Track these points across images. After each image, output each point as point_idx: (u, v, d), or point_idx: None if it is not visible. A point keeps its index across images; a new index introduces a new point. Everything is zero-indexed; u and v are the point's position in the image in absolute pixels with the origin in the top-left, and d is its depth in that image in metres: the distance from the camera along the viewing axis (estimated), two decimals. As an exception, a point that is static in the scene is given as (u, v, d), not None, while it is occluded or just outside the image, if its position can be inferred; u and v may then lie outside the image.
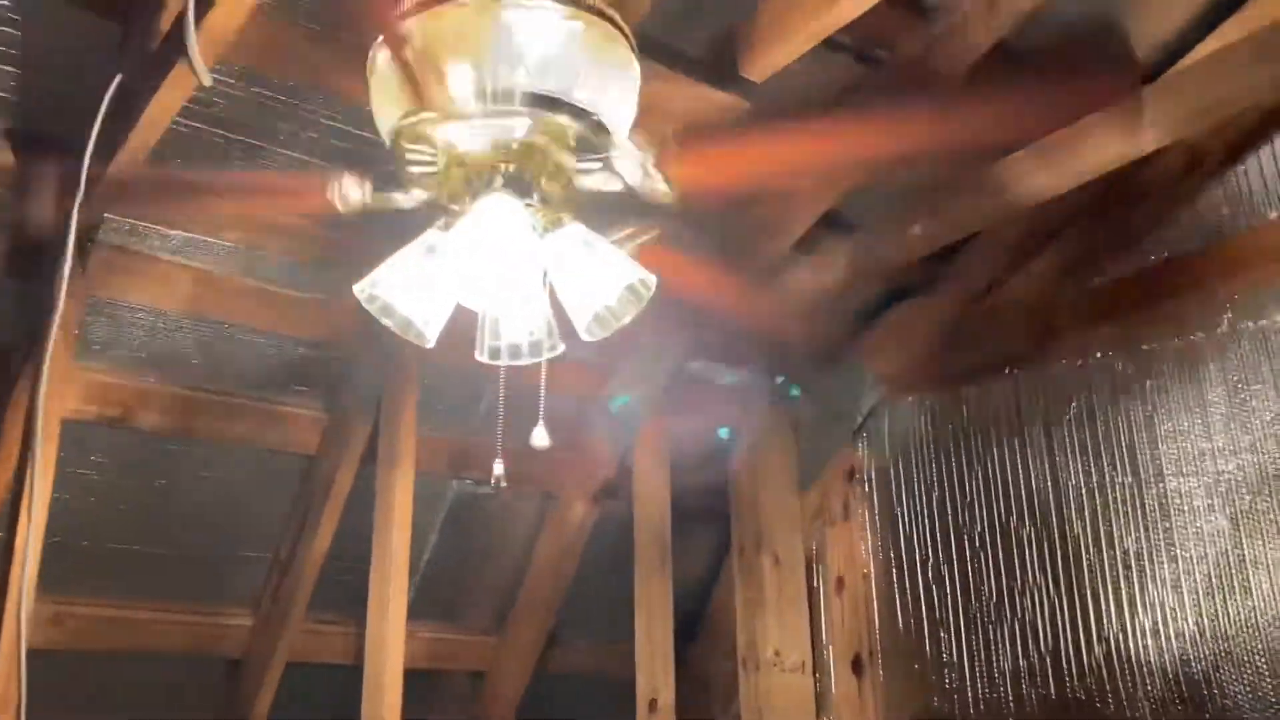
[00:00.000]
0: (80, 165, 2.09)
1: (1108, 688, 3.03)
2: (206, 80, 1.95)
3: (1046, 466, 3.26)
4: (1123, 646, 3.02)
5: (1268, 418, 2.86)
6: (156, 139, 2.18)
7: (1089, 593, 3.11)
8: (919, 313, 3.51)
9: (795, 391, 3.67)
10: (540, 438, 1.87)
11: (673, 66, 2.25)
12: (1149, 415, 3.09)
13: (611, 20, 1.63)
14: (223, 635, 3.28)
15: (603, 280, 1.68)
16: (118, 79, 2.06)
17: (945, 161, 2.65)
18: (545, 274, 1.71)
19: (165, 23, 2.03)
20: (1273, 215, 2.92)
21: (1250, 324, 2.93)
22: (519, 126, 1.60)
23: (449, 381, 3.32)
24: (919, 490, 3.55)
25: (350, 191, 1.69)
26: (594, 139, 1.66)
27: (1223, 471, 2.92)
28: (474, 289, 1.62)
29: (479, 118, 1.57)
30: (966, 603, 3.37)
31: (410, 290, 1.65)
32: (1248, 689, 2.78)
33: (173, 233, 2.80)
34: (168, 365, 2.96)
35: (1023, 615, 3.24)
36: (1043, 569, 3.22)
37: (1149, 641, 2.98)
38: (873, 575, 3.64)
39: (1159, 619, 2.97)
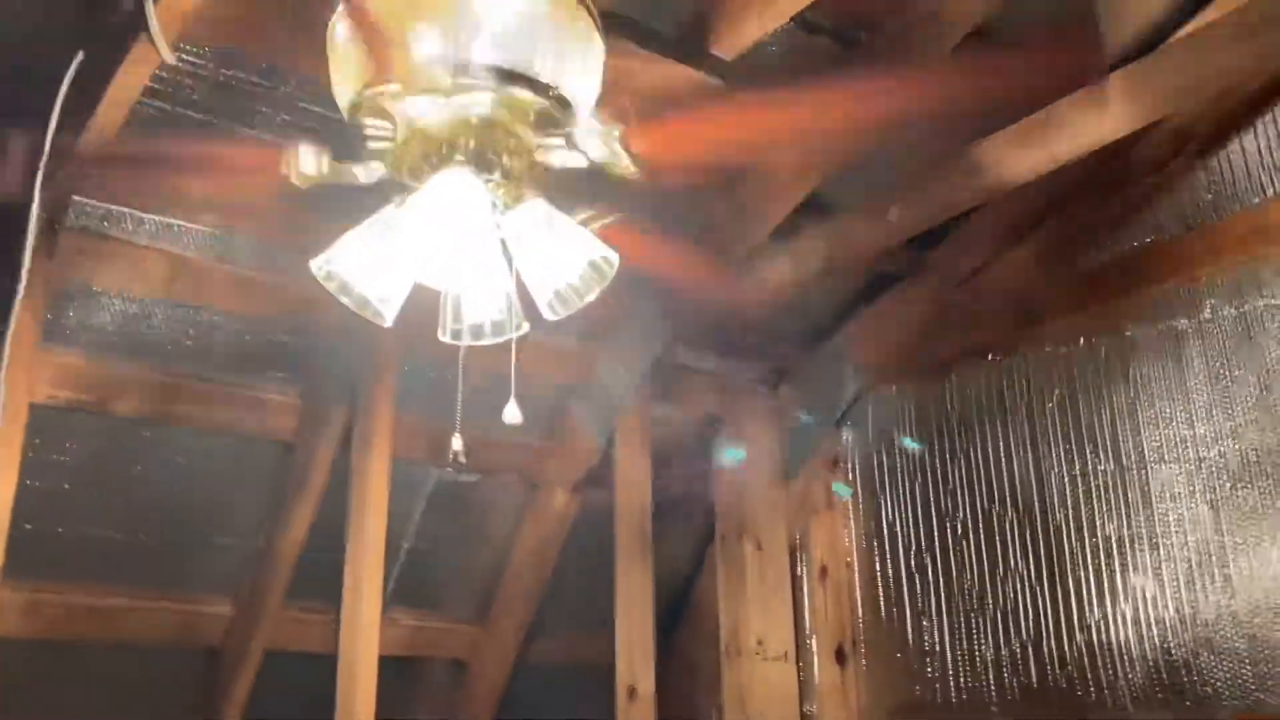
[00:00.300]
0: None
1: (1089, 675, 3.01)
2: (169, 57, 1.93)
3: (1029, 454, 3.25)
4: (1104, 634, 3.00)
5: (1249, 404, 2.85)
6: (123, 117, 2.16)
7: (1070, 580, 3.10)
8: (901, 301, 3.49)
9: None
10: (512, 414, 1.85)
11: (643, 44, 2.22)
12: (1131, 402, 3.07)
13: None
14: (200, 624, 3.26)
15: (564, 257, 1.66)
16: (79, 56, 2.03)
17: (922, 136, 2.62)
18: (508, 253, 1.69)
19: (127, -3, 2.00)
20: (1256, 200, 2.91)
21: (1233, 310, 2.91)
22: (478, 100, 1.58)
23: (430, 367, 3.29)
24: (902, 478, 3.54)
25: (305, 163, 1.66)
26: (557, 114, 1.64)
27: (1204, 458, 2.91)
28: (432, 265, 1.60)
29: (437, 91, 1.55)
30: (949, 591, 3.36)
31: (367, 267, 1.63)
32: (1228, 676, 2.77)
33: (147, 216, 2.78)
34: (142, 350, 2.93)
35: (1004, 603, 3.22)
36: (1024, 557, 3.20)
37: (1130, 629, 2.96)
38: (856, 564, 3.63)
39: (1140, 607, 2.95)
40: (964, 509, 3.37)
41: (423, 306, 1.85)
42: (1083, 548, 3.09)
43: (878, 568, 3.56)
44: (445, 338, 1.79)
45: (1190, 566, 2.88)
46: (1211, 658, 2.80)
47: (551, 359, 3.43)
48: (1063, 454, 3.17)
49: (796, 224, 3.03)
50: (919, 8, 2.57)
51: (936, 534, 3.42)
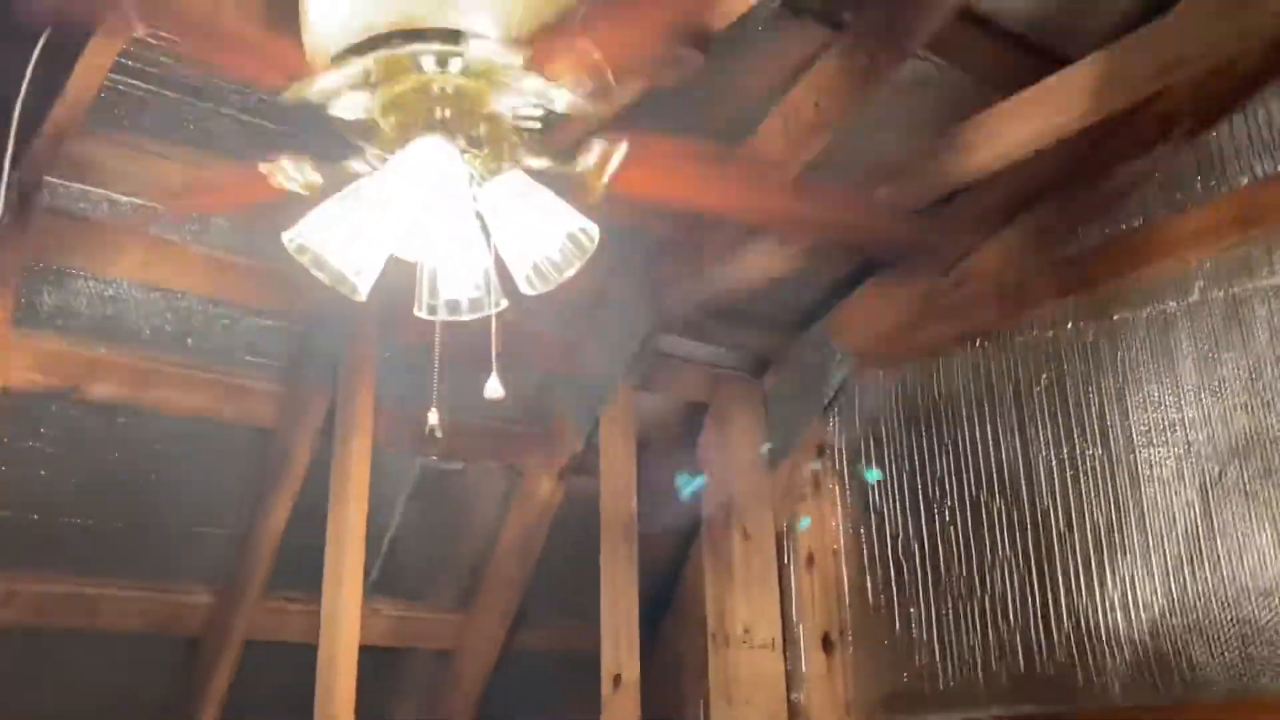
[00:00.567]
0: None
1: (1077, 662, 2.99)
2: (139, 30, 1.89)
3: (1017, 439, 3.22)
4: (1092, 620, 2.98)
5: (1238, 387, 2.82)
6: (94, 92, 2.11)
7: (1059, 566, 3.07)
8: (888, 286, 3.46)
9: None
10: (493, 389, 1.83)
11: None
12: (1120, 386, 3.04)
13: None
14: (180, 613, 3.22)
15: (542, 229, 1.62)
16: (47, 31, 1.99)
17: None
18: (485, 226, 1.66)
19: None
20: (1244, 181, 2.88)
21: (1221, 292, 2.88)
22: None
23: (412, 353, 3.25)
24: (889, 465, 3.51)
25: (292, 174, 1.63)
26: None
27: (1193, 442, 2.88)
28: (406, 237, 1.57)
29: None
30: (936, 578, 3.33)
31: (341, 239, 1.59)
32: (1217, 661, 2.75)
33: (123, 199, 2.74)
34: (119, 335, 2.89)
35: (992, 590, 3.20)
36: (1012, 543, 3.18)
37: (1118, 615, 2.94)
38: (843, 551, 3.60)
39: (1128, 592, 2.93)
40: (951, 495, 3.34)
41: (403, 290, 1.83)
42: (1070, 533, 3.06)
43: (865, 555, 3.53)
44: (421, 313, 1.76)
45: (1179, 551, 2.86)
46: (1200, 642, 2.78)
47: (536, 345, 3.40)
48: (1051, 439, 3.15)
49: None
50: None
51: (924, 521, 3.39)
